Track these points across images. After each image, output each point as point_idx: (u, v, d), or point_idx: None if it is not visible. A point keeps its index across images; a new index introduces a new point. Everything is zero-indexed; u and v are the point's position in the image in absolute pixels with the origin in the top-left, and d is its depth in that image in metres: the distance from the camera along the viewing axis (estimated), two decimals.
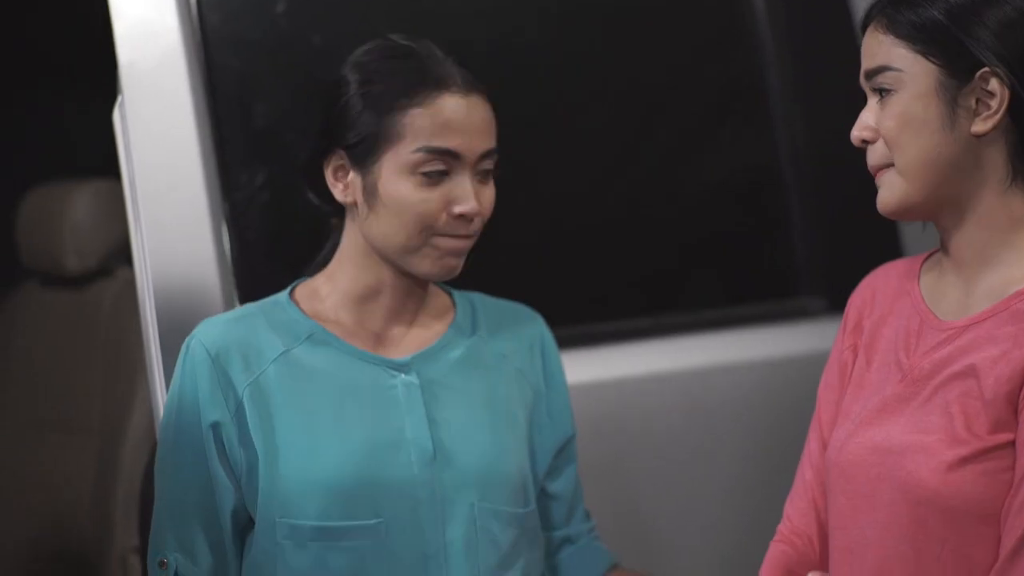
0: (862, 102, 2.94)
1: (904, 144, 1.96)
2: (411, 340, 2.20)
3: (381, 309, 2.19)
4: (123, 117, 2.32)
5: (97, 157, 2.92)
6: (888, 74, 1.96)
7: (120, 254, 3.07)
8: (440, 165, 2.11)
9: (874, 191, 2.90)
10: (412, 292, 2.20)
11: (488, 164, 2.16)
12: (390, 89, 2.12)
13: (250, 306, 2.20)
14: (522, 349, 2.26)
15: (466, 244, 2.15)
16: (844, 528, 2.00)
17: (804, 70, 2.92)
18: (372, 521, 2.10)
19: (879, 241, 2.94)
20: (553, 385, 2.29)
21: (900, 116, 1.96)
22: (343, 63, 2.18)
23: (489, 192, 2.17)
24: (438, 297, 2.27)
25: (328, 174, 2.17)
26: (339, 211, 2.21)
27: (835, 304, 2.90)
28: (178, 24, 2.39)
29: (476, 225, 2.15)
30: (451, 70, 2.15)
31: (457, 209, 2.11)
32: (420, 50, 2.16)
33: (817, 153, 2.92)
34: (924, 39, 1.94)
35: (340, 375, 2.14)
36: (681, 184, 2.84)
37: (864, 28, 2.00)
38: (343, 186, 2.16)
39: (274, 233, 2.45)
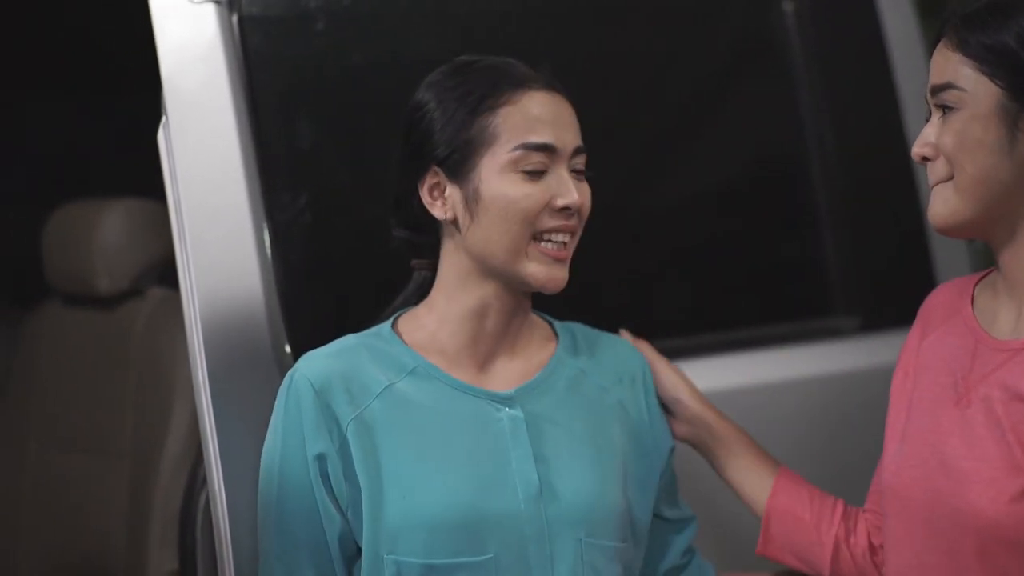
0: (894, 124, 2.97)
1: (961, 162, 1.96)
2: (514, 371, 2.19)
3: (485, 334, 2.17)
4: (167, 138, 2.30)
5: (135, 175, 2.90)
6: (952, 92, 1.97)
7: (150, 274, 3.04)
8: (540, 160, 2.12)
9: (905, 211, 2.94)
10: (516, 314, 2.18)
11: (580, 161, 2.18)
12: (473, 93, 2.13)
13: (351, 338, 2.19)
14: (624, 381, 2.25)
15: (567, 252, 2.15)
16: (898, 550, 2.00)
17: (841, 95, 2.91)
18: (480, 558, 2.08)
19: (911, 261, 2.95)
20: (655, 415, 2.28)
21: (959, 134, 1.96)
22: (416, 89, 2.19)
23: (586, 189, 2.18)
24: (539, 325, 2.26)
25: (424, 194, 2.16)
26: (426, 247, 2.21)
27: (868, 323, 2.91)
28: (221, 44, 2.37)
29: (575, 221, 2.16)
30: (528, 70, 2.17)
31: (560, 201, 2.12)
32: (490, 58, 2.18)
33: (851, 173, 2.92)
34: (992, 61, 1.94)
35: (445, 409, 2.13)
36: (715, 206, 2.83)
37: (935, 43, 2.01)
38: (441, 203, 2.16)
39: (317, 252, 2.43)
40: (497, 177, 2.11)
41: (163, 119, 2.31)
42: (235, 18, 2.40)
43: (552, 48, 2.61)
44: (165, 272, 3.02)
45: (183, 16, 2.36)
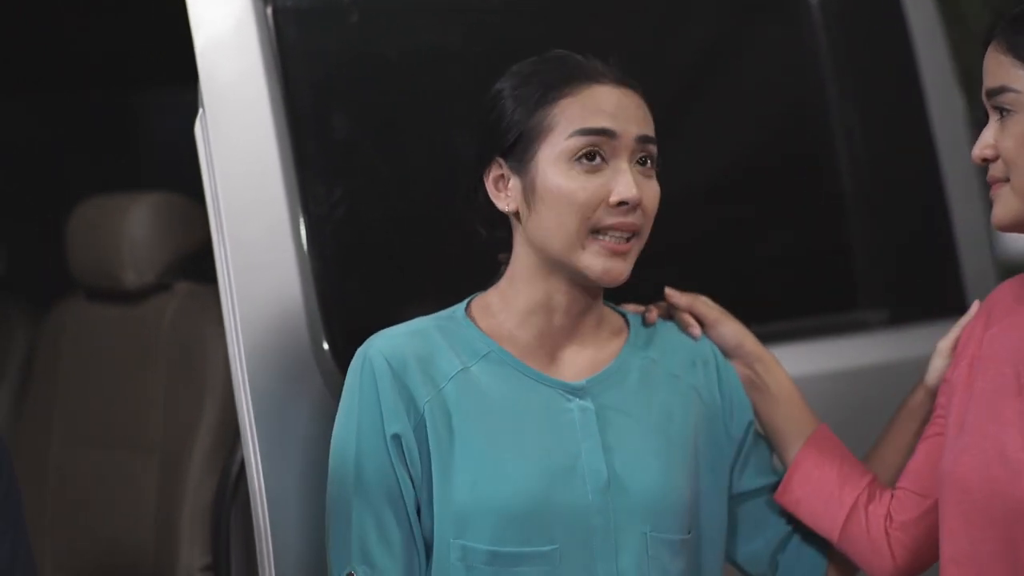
0: (921, 118, 2.97)
1: (1023, 164, 1.97)
2: (586, 361, 2.17)
3: (554, 327, 2.16)
4: (204, 131, 2.30)
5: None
6: (1008, 95, 1.98)
7: (177, 268, 3.03)
8: (594, 144, 2.09)
9: (933, 205, 2.94)
10: (585, 309, 2.17)
11: (648, 151, 2.13)
12: (541, 85, 2.12)
13: (424, 320, 2.17)
14: (697, 365, 2.24)
15: (629, 246, 2.11)
16: (954, 538, 2.01)
17: (868, 89, 2.92)
18: (546, 548, 2.08)
19: (937, 254, 2.95)
20: (727, 398, 2.25)
21: (1020, 137, 1.97)
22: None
23: (652, 186, 2.14)
24: (612, 318, 2.24)
25: (490, 186, 2.16)
26: (505, 241, 2.19)
27: (896, 316, 2.91)
28: (256, 37, 2.37)
29: (638, 218, 2.11)
30: (602, 68, 2.15)
31: (615, 196, 2.08)
32: (572, 54, 2.16)
33: (879, 167, 2.92)
34: None
35: (516, 397, 2.12)
36: (741, 199, 2.83)
37: (985, 45, 2.02)
38: (504, 195, 2.15)
39: (354, 246, 2.43)
40: (553, 168, 2.09)
41: (200, 111, 2.30)
42: (269, 10, 2.40)
43: (584, 39, 2.60)
44: (191, 266, 3.02)
45: (219, 9, 2.35)
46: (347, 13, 2.46)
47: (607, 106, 2.11)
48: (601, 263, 2.10)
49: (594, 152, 2.09)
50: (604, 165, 2.10)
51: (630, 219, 2.10)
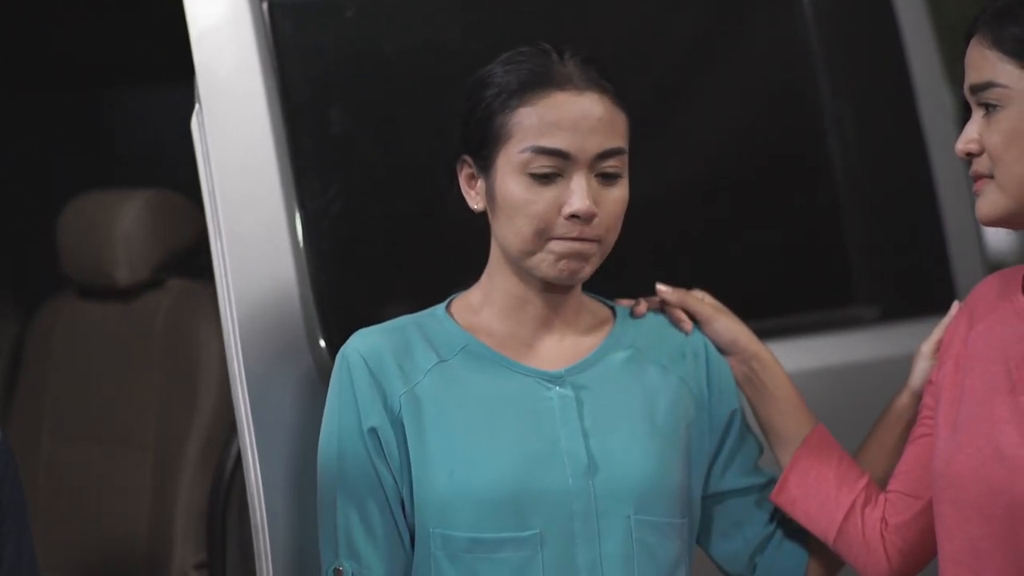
0: (911, 115, 2.98)
1: (1009, 160, 1.95)
2: (565, 351, 2.18)
3: (531, 318, 2.17)
4: (201, 126, 2.30)
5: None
6: (994, 90, 1.96)
7: (170, 265, 3.03)
8: (549, 165, 2.08)
9: (922, 202, 2.95)
10: (562, 299, 2.17)
11: (611, 165, 2.11)
12: (504, 90, 2.11)
13: (405, 318, 2.19)
14: (687, 357, 2.24)
15: (584, 247, 2.10)
16: (951, 537, 2.01)
17: (856, 83, 2.93)
18: (526, 533, 2.09)
19: (929, 251, 2.96)
20: (715, 389, 2.25)
21: (1007, 133, 1.95)
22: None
23: (614, 194, 2.12)
24: (596, 308, 2.25)
25: (463, 182, 2.17)
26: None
27: (888, 312, 2.92)
28: (252, 31, 2.37)
29: (596, 229, 2.10)
30: (569, 69, 2.11)
31: (567, 209, 2.08)
32: (542, 51, 2.13)
33: (869, 163, 2.93)
34: None
35: (494, 387, 2.14)
36: (734, 195, 2.84)
37: (967, 39, 1.99)
38: (474, 193, 2.16)
39: (351, 241, 2.44)
40: (509, 177, 2.10)
41: (196, 106, 2.31)
42: (265, 5, 2.40)
43: (579, 35, 2.61)
44: (184, 263, 3.02)
45: (215, 4, 2.35)
46: (343, 7, 2.47)
47: (566, 120, 2.08)
48: (555, 270, 2.11)
49: (546, 170, 2.08)
50: (559, 178, 2.09)
51: (585, 231, 2.09)
